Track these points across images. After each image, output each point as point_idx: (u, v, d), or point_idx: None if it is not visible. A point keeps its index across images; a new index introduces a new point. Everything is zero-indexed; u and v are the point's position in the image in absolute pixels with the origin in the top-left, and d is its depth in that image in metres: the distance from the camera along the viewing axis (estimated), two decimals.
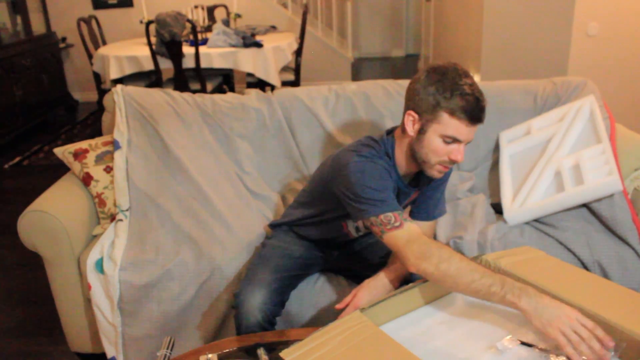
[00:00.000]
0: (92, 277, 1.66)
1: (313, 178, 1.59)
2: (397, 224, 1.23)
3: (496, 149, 2.10)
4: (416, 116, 1.29)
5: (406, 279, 1.35)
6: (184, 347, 1.64)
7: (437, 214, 1.56)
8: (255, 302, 1.38)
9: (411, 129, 1.31)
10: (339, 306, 1.32)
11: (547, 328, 1.01)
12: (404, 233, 1.22)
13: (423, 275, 1.17)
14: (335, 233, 1.57)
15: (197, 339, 1.68)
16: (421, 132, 1.29)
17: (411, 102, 1.31)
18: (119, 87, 2.07)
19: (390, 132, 1.43)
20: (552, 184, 1.80)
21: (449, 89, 1.22)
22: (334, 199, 1.38)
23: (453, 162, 1.30)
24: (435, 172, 1.34)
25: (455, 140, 1.26)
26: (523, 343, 1.05)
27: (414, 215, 1.56)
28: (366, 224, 1.28)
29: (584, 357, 0.97)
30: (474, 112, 1.23)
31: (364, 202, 1.26)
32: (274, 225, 1.70)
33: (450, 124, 1.24)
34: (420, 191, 1.51)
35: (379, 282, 1.34)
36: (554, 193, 1.77)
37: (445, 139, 1.26)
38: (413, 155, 1.34)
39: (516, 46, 3.45)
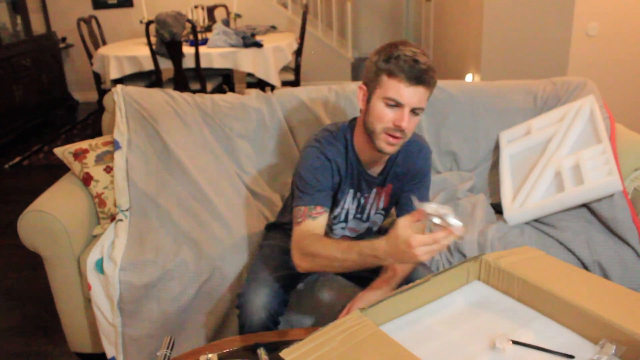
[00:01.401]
0: (92, 277, 1.67)
1: None
2: (299, 219, 1.25)
3: (496, 149, 2.10)
4: (364, 87, 1.32)
5: (400, 286, 1.35)
6: (184, 347, 1.64)
7: None
8: (260, 301, 1.38)
9: (361, 101, 1.33)
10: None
11: (414, 259, 1.08)
12: (297, 230, 1.24)
13: (308, 271, 1.24)
14: None
15: (197, 338, 1.68)
16: (368, 101, 1.30)
17: (362, 77, 1.33)
18: (119, 87, 2.07)
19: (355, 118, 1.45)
20: (552, 184, 1.80)
21: (389, 54, 1.24)
22: None
23: (398, 129, 1.27)
24: (383, 144, 1.30)
25: (398, 104, 1.25)
26: (522, 343, 1.05)
27: (400, 217, 1.54)
28: None
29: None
30: (412, 70, 1.22)
31: (294, 190, 1.30)
32: (271, 226, 1.70)
33: (389, 85, 1.25)
34: (394, 185, 1.48)
35: (372, 294, 1.34)
36: (554, 193, 1.77)
37: (387, 102, 1.26)
38: (367, 132, 1.33)
39: (516, 46, 3.45)
